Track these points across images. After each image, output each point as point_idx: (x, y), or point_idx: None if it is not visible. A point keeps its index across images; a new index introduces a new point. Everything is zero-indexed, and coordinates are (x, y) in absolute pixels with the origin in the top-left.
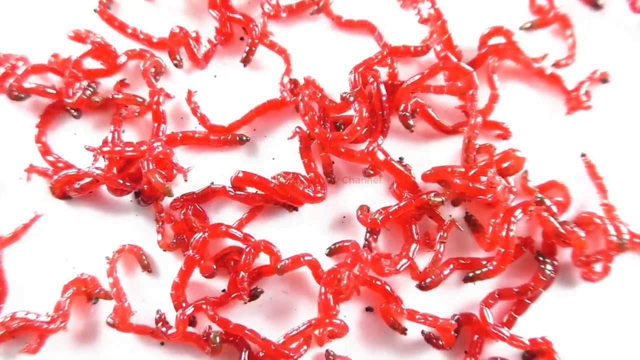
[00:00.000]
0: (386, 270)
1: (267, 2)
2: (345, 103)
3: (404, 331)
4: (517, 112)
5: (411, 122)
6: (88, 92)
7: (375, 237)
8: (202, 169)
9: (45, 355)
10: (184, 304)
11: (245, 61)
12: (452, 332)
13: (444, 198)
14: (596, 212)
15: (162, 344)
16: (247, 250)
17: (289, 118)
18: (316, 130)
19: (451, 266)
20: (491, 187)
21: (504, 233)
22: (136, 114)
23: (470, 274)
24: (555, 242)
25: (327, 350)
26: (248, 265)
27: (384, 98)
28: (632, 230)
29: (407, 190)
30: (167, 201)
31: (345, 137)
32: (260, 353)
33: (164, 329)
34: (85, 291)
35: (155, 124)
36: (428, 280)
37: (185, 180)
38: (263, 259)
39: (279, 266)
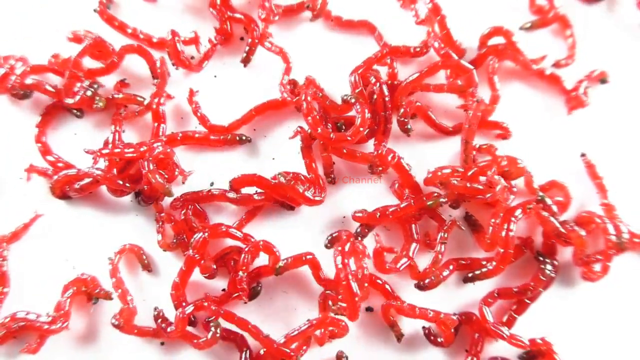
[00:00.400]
0: (387, 267)
1: (260, 8)
2: (347, 105)
3: (399, 337)
4: (517, 112)
5: (409, 126)
6: (89, 93)
7: (366, 230)
8: (202, 169)
9: (45, 355)
10: (184, 304)
11: (245, 61)
12: (452, 330)
13: (444, 199)
14: (596, 212)
15: (162, 343)
16: (246, 249)
17: (289, 118)
18: (319, 131)
19: (451, 267)
20: (490, 187)
21: (503, 233)
22: (136, 113)
23: (470, 274)
24: (556, 241)
25: (339, 351)
26: (247, 265)
27: (387, 99)
28: (632, 230)
29: (408, 189)
30: (167, 201)
31: (349, 138)
32: (261, 351)
33: (163, 325)
34: (85, 291)
35: (155, 124)
36: (427, 280)
37: (183, 183)
38: (263, 259)
39: (281, 264)
